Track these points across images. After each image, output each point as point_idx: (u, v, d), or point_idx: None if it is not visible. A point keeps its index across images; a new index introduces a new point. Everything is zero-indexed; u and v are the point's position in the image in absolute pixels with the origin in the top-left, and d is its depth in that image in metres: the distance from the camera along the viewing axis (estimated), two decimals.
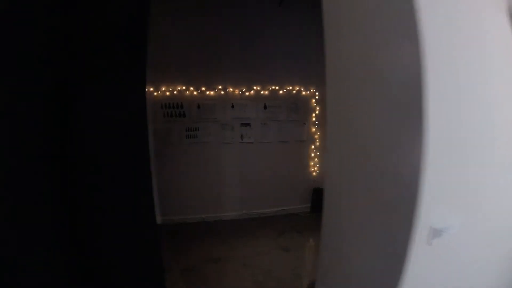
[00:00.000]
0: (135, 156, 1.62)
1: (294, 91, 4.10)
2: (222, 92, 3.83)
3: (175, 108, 3.69)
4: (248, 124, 3.90)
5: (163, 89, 3.70)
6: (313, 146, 4.23)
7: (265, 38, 3.92)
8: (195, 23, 3.72)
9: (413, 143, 0.92)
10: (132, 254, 1.62)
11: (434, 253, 0.99)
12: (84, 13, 1.35)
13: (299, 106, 4.11)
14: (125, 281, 1.60)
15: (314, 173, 4.26)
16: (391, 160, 1.03)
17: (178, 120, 3.70)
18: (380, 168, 1.08)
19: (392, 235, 1.02)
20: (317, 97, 4.22)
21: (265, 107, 3.96)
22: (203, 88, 3.77)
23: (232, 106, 3.84)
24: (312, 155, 4.24)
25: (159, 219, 3.81)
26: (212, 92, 3.81)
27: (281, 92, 4.05)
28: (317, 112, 4.24)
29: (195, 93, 3.76)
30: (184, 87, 3.72)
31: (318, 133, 4.22)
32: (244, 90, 3.90)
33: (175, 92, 3.70)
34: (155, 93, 3.69)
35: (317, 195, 4.17)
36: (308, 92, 4.17)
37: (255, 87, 3.94)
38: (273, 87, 4.01)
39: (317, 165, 4.26)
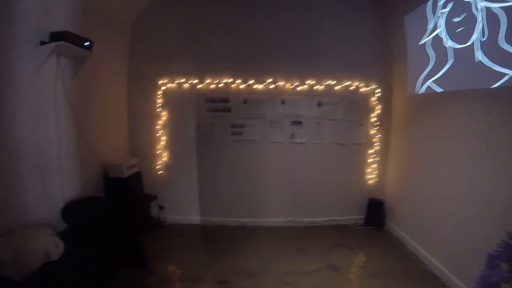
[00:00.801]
0: None
1: (352, 87, 3.56)
2: (272, 86, 3.43)
3: (220, 102, 3.38)
4: (299, 123, 3.46)
5: (207, 81, 3.41)
6: (371, 151, 3.66)
7: (321, 27, 3.45)
8: (243, 11, 3.38)
9: None
10: None
11: None
12: None
13: (357, 104, 3.56)
14: None
15: (370, 181, 3.70)
16: None
17: (222, 115, 3.39)
18: None
19: None
20: (378, 95, 3.62)
21: (319, 104, 3.49)
22: (251, 81, 3.41)
23: (283, 102, 3.43)
24: (370, 160, 3.67)
25: (197, 219, 3.57)
26: (261, 86, 3.43)
27: (337, 87, 3.54)
28: (378, 111, 3.64)
29: (242, 86, 3.41)
30: (231, 80, 3.39)
31: (378, 135, 3.63)
32: (296, 84, 3.46)
33: (220, 85, 3.39)
34: (199, 86, 3.42)
35: (373, 207, 3.62)
36: (368, 88, 3.59)
37: (308, 81, 3.48)
38: (329, 82, 3.51)
39: (375, 172, 3.68)
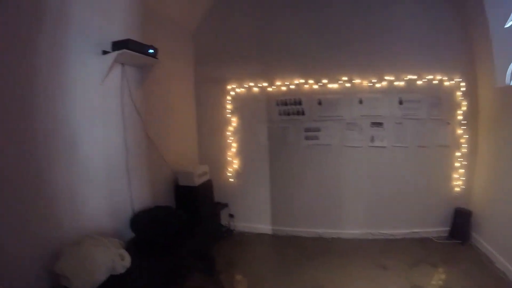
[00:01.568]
0: None
1: (435, 81, 3.17)
2: (348, 85, 3.15)
3: (292, 105, 3.16)
4: (379, 124, 3.14)
5: (278, 83, 3.19)
6: (458, 153, 3.26)
7: (396, 16, 3.08)
8: (311, 6, 3.11)
9: None
10: None
11: None
12: None
13: (441, 100, 3.17)
14: None
15: (457, 189, 3.30)
16: None
17: (296, 119, 3.17)
18: None
19: None
20: (463, 89, 3.20)
21: (400, 102, 3.14)
22: (325, 81, 3.14)
23: (360, 102, 3.13)
24: (457, 165, 3.27)
25: (269, 229, 3.42)
26: (335, 85, 3.15)
27: (419, 82, 3.16)
28: (464, 108, 3.22)
29: (315, 86, 3.15)
30: (302, 80, 3.15)
31: (465, 136, 3.22)
32: (374, 81, 3.14)
33: (292, 86, 3.16)
34: (269, 89, 3.22)
35: (458, 217, 3.21)
36: (451, 82, 3.18)
37: (387, 77, 3.14)
38: (410, 77, 3.15)
39: (462, 178, 3.28)
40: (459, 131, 3.24)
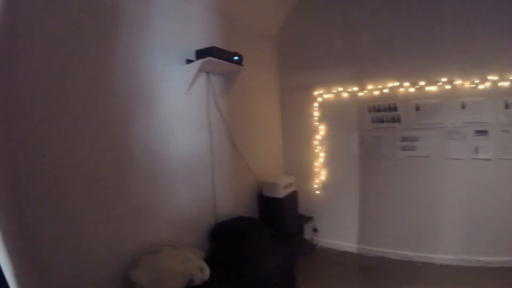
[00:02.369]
0: None
1: None
2: (448, 87, 2.80)
3: (386, 111, 2.83)
4: (484, 132, 2.80)
5: (369, 87, 2.86)
6: None
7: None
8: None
9: None
10: None
11: None
12: None
13: None
14: None
15: None
16: None
17: (390, 127, 2.85)
18: None
19: None
20: None
21: (506, 106, 2.79)
22: (422, 83, 2.80)
23: (463, 106, 2.79)
24: None
25: (354, 247, 3.14)
26: (434, 88, 2.81)
27: None
28: None
29: (411, 90, 2.81)
30: (397, 83, 2.80)
31: None
32: (477, 82, 2.79)
33: (385, 90, 2.82)
34: (360, 93, 2.88)
35: None
36: None
37: (490, 77, 2.78)
38: None
39: None
40: None
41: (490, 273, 2.79)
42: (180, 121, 2.12)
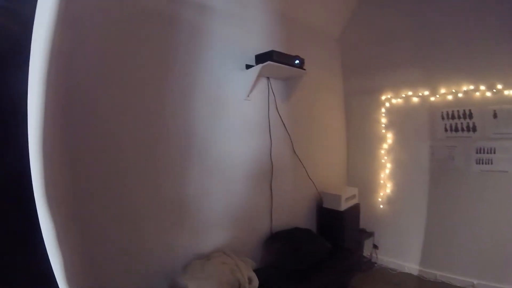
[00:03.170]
0: None
1: None
2: None
3: (460, 118, 2.57)
4: None
5: (442, 91, 2.60)
6: None
7: None
8: None
9: None
10: None
11: None
12: None
13: None
14: None
15: None
16: None
17: (466, 136, 2.54)
18: None
19: None
20: None
21: None
22: (500, 86, 2.51)
23: None
24: None
25: (415, 269, 2.83)
26: None
27: None
28: None
29: (488, 93, 2.54)
30: (472, 86, 2.54)
31: None
32: None
33: (460, 94, 2.56)
34: (432, 98, 2.63)
35: None
36: None
37: None
38: None
39: None
40: None
41: None
42: (240, 126, 2.12)
